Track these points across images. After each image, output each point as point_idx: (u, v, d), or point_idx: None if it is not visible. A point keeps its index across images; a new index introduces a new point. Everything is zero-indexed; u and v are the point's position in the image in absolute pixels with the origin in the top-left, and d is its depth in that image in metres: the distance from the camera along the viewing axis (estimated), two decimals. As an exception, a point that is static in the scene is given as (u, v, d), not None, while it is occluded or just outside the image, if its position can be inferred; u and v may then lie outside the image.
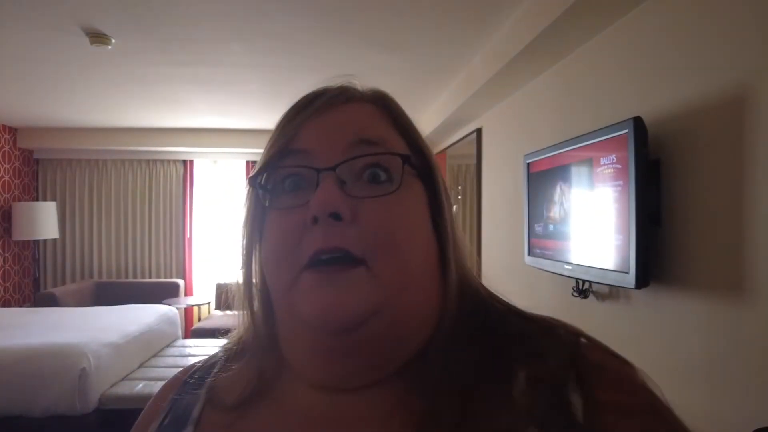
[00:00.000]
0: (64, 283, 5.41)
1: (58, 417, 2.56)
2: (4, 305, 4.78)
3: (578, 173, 1.95)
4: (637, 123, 1.56)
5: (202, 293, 5.56)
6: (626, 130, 1.58)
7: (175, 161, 5.61)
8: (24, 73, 3.21)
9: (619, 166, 1.64)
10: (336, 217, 0.39)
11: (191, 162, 5.64)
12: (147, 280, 5.37)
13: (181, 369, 0.56)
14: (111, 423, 2.72)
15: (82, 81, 3.38)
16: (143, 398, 2.70)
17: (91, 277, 5.45)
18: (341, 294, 0.39)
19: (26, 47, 2.71)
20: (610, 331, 1.88)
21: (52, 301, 4.31)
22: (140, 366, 3.15)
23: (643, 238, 1.55)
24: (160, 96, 3.77)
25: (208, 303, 5.13)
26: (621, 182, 1.63)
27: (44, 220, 4.86)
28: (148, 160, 5.57)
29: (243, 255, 0.49)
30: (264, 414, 0.45)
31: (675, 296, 1.58)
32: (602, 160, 1.73)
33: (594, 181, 1.81)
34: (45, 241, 5.35)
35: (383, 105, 0.49)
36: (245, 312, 0.50)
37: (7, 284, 4.93)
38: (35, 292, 5.18)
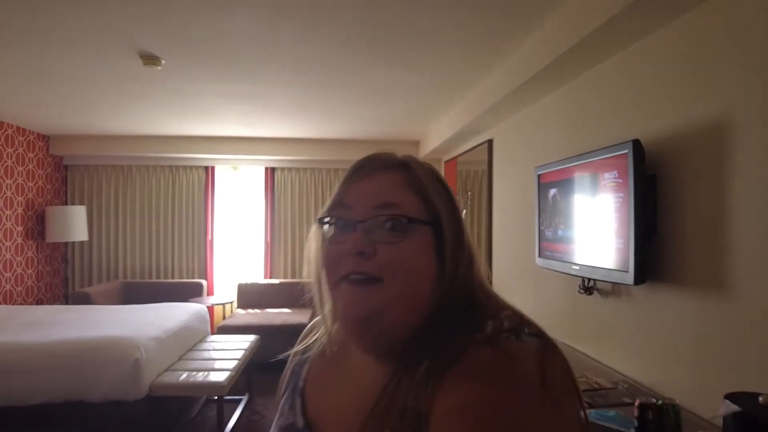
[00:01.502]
0: (91, 283, 5.69)
1: (114, 402, 2.83)
2: (37, 303, 5.07)
3: (584, 185, 2.22)
4: (636, 144, 1.83)
5: (223, 293, 5.83)
6: (626, 150, 1.86)
7: (197, 167, 5.89)
8: (70, 89, 3.48)
9: (620, 181, 1.92)
10: (361, 254, 0.60)
11: (212, 168, 5.92)
12: (171, 280, 5.65)
13: (312, 322, 0.81)
14: (159, 408, 3.00)
15: (126, 96, 3.66)
16: (186, 387, 2.98)
17: (117, 277, 5.72)
18: (360, 300, 0.60)
19: (81, 67, 2.99)
20: (613, 322, 2.16)
21: (85, 300, 4.58)
22: (179, 359, 3.42)
23: (640, 242, 1.82)
24: (195, 108, 4.05)
25: (231, 302, 5.39)
26: (622, 194, 1.90)
27: (75, 223, 5.13)
28: (171, 166, 5.85)
29: (315, 263, 0.69)
30: (341, 365, 0.71)
31: (668, 292, 1.85)
32: (605, 175, 2.01)
33: (598, 193, 2.08)
34: (74, 243, 5.62)
35: (406, 172, 0.65)
36: (319, 298, 0.71)
37: (41, 284, 5.22)
38: (65, 292, 5.46)
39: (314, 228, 0.69)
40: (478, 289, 0.65)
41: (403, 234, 0.61)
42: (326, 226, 0.65)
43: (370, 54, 2.75)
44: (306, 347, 0.78)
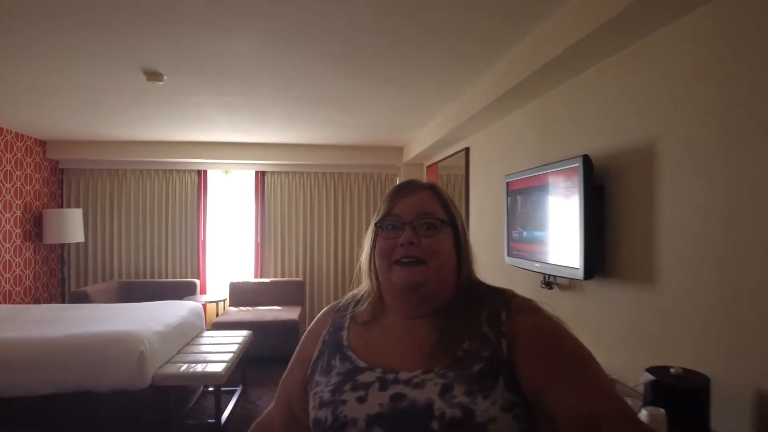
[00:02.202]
0: (87, 283, 5.88)
1: (121, 392, 3.07)
2: (35, 303, 5.26)
3: (544, 193, 2.53)
4: (585, 159, 2.14)
5: (215, 291, 6.07)
6: (578, 164, 2.17)
7: (189, 171, 6.11)
8: (71, 100, 3.70)
9: (574, 189, 2.23)
10: (411, 244, 0.89)
11: (205, 172, 6.15)
12: (165, 280, 5.87)
13: (330, 305, 1.06)
14: (162, 397, 3.24)
15: (126, 106, 3.89)
16: (187, 377, 3.23)
17: (113, 277, 5.93)
18: (410, 275, 0.88)
19: (85, 81, 3.21)
20: (570, 312, 2.47)
21: (84, 299, 4.79)
22: (178, 352, 3.66)
23: (589, 243, 2.13)
24: (192, 117, 4.29)
25: (224, 300, 5.64)
26: (575, 201, 2.21)
27: (71, 225, 5.32)
28: (164, 170, 6.07)
29: (370, 254, 0.98)
30: (378, 327, 0.97)
31: (612, 285, 2.17)
32: (561, 184, 2.32)
33: (555, 200, 2.39)
34: (70, 244, 5.81)
35: (434, 191, 0.96)
36: (371, 279, 0.99)
37: (38, 284, 5.40)
38: (62, 292, 5.65)
39: (370, 231, 0.97)
40: (474, 275, 0.96)
41: (437, 231, 0.91)
42: (380, 227, 0.94)
43: (357, 73, 3.03)
44: (336, 317, 1.01)
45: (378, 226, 0.94)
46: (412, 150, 5.47)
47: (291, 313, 5.11)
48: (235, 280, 5.79)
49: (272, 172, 6.26)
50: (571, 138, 2.54)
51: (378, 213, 0.96)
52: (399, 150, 6.07)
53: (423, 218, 0.90)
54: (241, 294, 5.68)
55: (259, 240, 6.24)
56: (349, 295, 1.06)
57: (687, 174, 1.76)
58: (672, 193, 1.83)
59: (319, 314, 1.06)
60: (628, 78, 2.09)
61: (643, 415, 1.50)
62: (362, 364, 0.88)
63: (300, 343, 1.04)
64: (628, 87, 2.09)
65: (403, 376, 0.83)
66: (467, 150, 4.20)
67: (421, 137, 4.96)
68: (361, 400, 0.81)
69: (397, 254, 0.89)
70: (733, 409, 1.54)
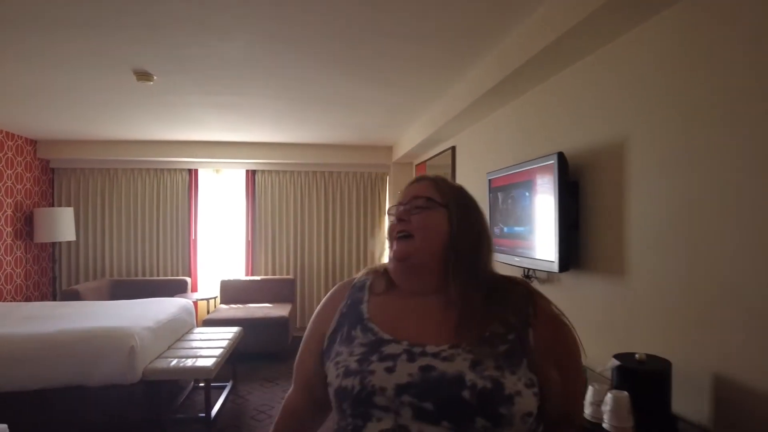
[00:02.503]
0: (78, 281, 5.91)
1: (111, 386, 3.13)
2: (26, 301, 5.28)
3: (522, 190, 2.62)
4: (560, 156, 2.23)
5: (206, 289, 6.12)
6: (553, 161, 2.25)
7: (180, 170, 6.16)
8: (62, 100, 3.74)
9: (550, 186, 2.31)
10: (401, 221, 1.00)
11: (196, 171, 6.19)
12: (157, 278, 5.91)
13: (345, 280, 1.12)
14: (152, 391, 3.30)
15: (116, 105, 3.94)
16: (177, 372, 3.29)
17: (104, 276, 5.96)
18: (401, 247, 0.98)
19: (76, 81, 3.26)
20: (548, 306, 2.56)
21: (75, 297, 4.82)
22: (169, 348, 3.71)
23: (564, 238, 2.22)
24: (181, 117, 4.34)
25: (215, 298, 5.69)
26: (551, 197, 2.30)
27: (62, 224, 5.35)
28: (156, 169, 6.11)
29: (387, 234, 1.08)
30: (396, 303, 0.99)
31: (586, 277, 2.26)
32: (538, 181, 2.41)
33: (533, 196, 2.48)
34: (61, 243, 5.84)
35: (434, 182, 1.05)
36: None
37: (29, 282, 5.43)
38: (53, 290, 5.68)
39: (388, 214, 1.09)
40: (486, 260, 1.02)
41: (426, 209, 1.00)
42: (390, 214, 1.07)
43: (346, 73, 3.11)
44: (352, 291, 1.07)
45: (390, 214, 1.08)
46: (401, 149, 5.55)
47: (281, 311, 5.18)
48: (226, 278, 5.84)
49: (263, 171, 6.32)
50: (548, 136, 2.63)
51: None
52: (388, 149, 6.14)
53: (415, 200, 1.02)
54: (231, 292, 5.74)
55: (249, 238, 6.29)
56: (362, 272, 1.13)
57: (652, 170, 1.85)
58: (639, 189, 1.92)
59: (331, 291, 1.11)
60: (597, 80, 2.18)
61: (608, 398, 1.59)
62: (386, 336, 0.92)
63: (312, 321, 1.08)
64: (598, 88, 2.18)
65: (431, 349, 0.87)
66: (453, 149, 4.29)
67: (409, 136, 5.05)
68: (390, 370, 0.85)
69: (395, 231, 1.02)
70: (692, 391, 1.63)
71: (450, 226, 0.99)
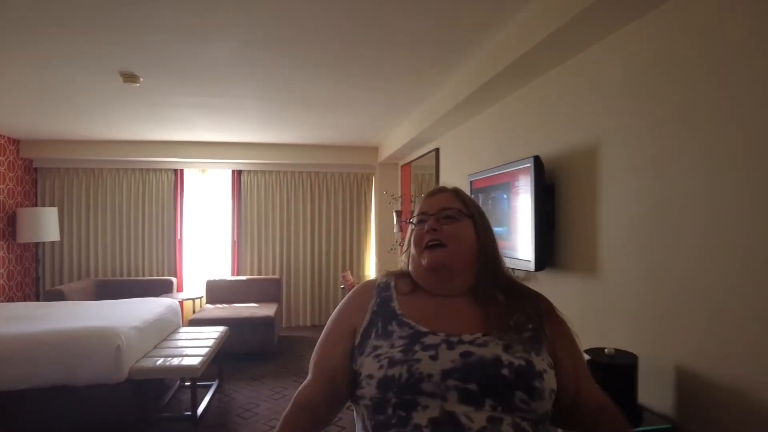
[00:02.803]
0: (62, 281, 5.89)
1: (97, 386, 3.15)
2: (8, 302, 5.25)
3: (502, 191, 2.70)
4: (536, 159, 2.32)
5: (192, 289, 6.14)
6: (529, 164, 2.34)
7: (166, 170, 6.16)
8: (47, 100, 3.75)
9: (527, 188, 2.40)
10: (433, 231, 1.06)
11: (181, 171, 6.21)
12: (142, 278, 5.91)
13: (366, 281, 1.17)
14: (138, 390, 3.33)
15: (101, 106, 3.95)
16: (163, 370, 3.33)
17: (88, 276, 5.94)
18: (435, 256, 1.05)
19: (61, 82, 3.28)
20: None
21: (59, 297, 4.81)
22: (155, 347, 3.74)
23: (540, 238, 2.31)
24: (167, 117, 4.37)
25: (201, 297, 5.71)
26: (527, 199, 2.39)
27: (46, 224, 5.33)
28: (141, 169, 6.11)
29: (407, 242, 1.15)
30: (423, 302, 1.07)
31: (562, 275, 2.35)
32: (516, 183, 2.49)
33: (512, 198, 2.57)
34: (45, 243, 5.81)
35: (455, 192, 1.15)
36: (405, 260, 1.16)
37: (11, 283, 5.40)
38: (36, 291, 5.64)
39: (408, 230, 1.16)
40: (502, 264, 1.13)
41: (455, 220, 1.08)
42: (413, 223, 1.14)
43: (332, 77, 3.17)
44: (379, 290, 1.12)
45: (412, 222, 1.15)
46: (386, 150, 5.62)
47: (267, 310, 5.22)
48: (211, 278, 5.86)
49: (249, 171, 6.35)
50: (525, 140, 2.71)
51: (413, 214, 1.18)
52: (374, 150, 6.21)
53: (444, 211, 1.09)
54: (217, 291, 5.76)
55: (235, 238, 6.32)
56: (382, 274, 1.19)
57: (621, 174, 1.94)
58: (609, 191, 2.01)
59: (355, 290, 1.17)
60: (570, 88, 2.28)
61: (578, 390, 1.67)
62: (424, 329, 0.99)
63: (337, 318, 1.13)
64: (571, 96, 2.27)
65: (466, 337, 0.96)
66: (437, 150, 4.37)
67: (394, 138, 5.12)
68: (434, 358, 0.92)
69: (425, 240, 1.08)
70: (657, 383, 1.73)
71: (476, 235, 1.10)
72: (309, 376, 1.08)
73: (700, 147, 1.57)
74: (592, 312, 2.14)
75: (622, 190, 1.94)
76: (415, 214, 1.14)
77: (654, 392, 1.74)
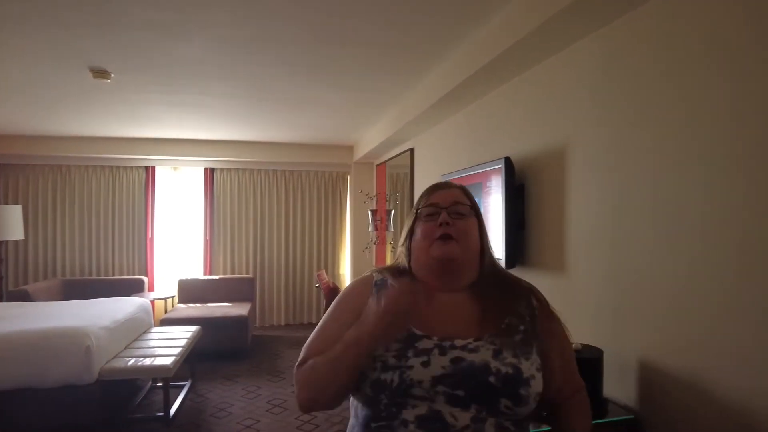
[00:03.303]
0: (27, 281, 5.72)
1: (67, 387, 3.08)
2: (-30, 303, 5.07)
3: (474, 191, 2.76)
4: (507, 160, 2.38)
5: (164, 288, 6.04)
6: (500, 165, 2.40)
7: (137, 167, 6.05)
8: (10, 93, 3.63)
9: (498, 188, 2.46)
10: (446, 224, 1.06)
11: (153, 168, 6.10)
12: (112, 277, 5.79)
13: (363, 276, 1.16)
14: (109, 391, 3.27)
15: (71, 102, 3.86)
16: (134, 371, 3.28)
17: (55, 275, 5.79)
18: (446, 248, 1.04)
19: (28, 76, 3.19)
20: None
21: (24, 297, 4.66)
22: (126, 347, 3.68)
23: (510, 236, 2.38)
24: (139, 114, 4.29)
25: (173, 297, 5.63)
26: (498, 199, 2.45)
27: (9, 222, 5.14)
28: (111, 167, 5.98)
29: (406, 235, 1.14)
30: (422, 300, 1.09)
31: (532, 272, 2.42)
32: (487, 183, 2.56)
33: (484, 197, 2.63)
34: (8, 242, 5.63)
35: (463, 190, 1.15)
36: (402, 255, 1.14)
37: (-26, 283, 5.22)
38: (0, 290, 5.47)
39: (408, 222, 1.15)
40: (496, 261, 1.15)
41: (466, 217, 1.10)
42: (419, 215, 1.12)
43: (306, 75, 3.17)
44: (376, 289, 1.11)
45: (418, 212, 1.14)
46: (361, 149, 5.64)
47: (240, 309, 5.18)
48: (184, 277, 5.78)
49: (222, 169, 6.28)
50: (497, 142, 2.78)
51: (417, 205, 1.16)
52: (349, 149, 6.22)
53: (456, 206, 1.10)
54: (190, 291, 5.69)
55: (208, 237, 6.25)
56: (375, 271, 1.17)
57: (585, 175, 2.02)
58: (576, 192, 2.09)
59: (353, 285, 1.16)
60: (539, 91, 2.35)
61: (546, 383, 1.73)
62: (419, 332, 1.00)
63: (338, 309, 1.11)
64: (540, 99, 2.35)
65: (459, 342, 0.98)
66: (412, 150, 4.42)
67: (369, 137, 5.14)
68: (425, 364, 0.94)
69: (437, 233, 1.07)
70: (621, 376, 1.81)
71: (480, 232, 1.12)
72: (304, 357, 1.04)
73: (657, 150, 1.65)
74: (560, 308, 2.17)
75: (587, 190, 2.02)
76: (423, 204, 1.13)
77: (618, 385, 1.82)
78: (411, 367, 0.94)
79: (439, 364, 0.95)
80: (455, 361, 0.95)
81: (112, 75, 3.14)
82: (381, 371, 0.95)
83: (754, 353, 1.33)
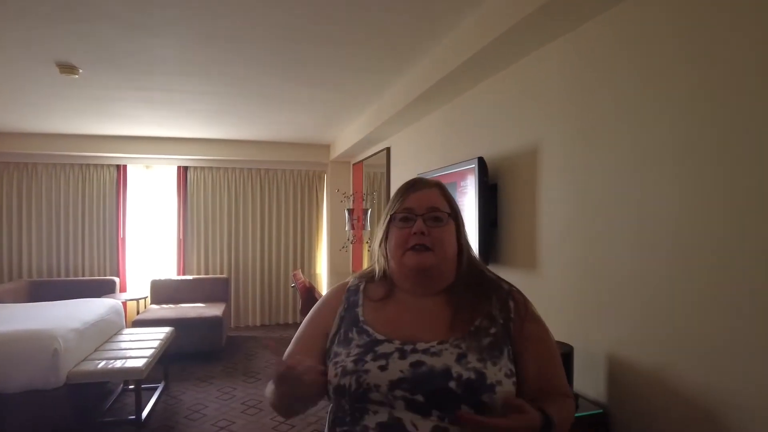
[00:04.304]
0: (-9, 283, 5.53)
1: (33, 391, 2.99)
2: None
3: (449, 190, 2.78)
4: (480, 160, 2.41)
5: (136, 289, 5.92)
6: (474, 165, 2.43)
7: (108, 166, 5.91)
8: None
9: (471, 187, 2.49)
10: (421, 234, 1.02)
11: (124, 166, 5.97)
12: (82, 278, 5.64)
13: (338, 284, 1.15)
14: (77, 395, 3.19)
15: (37, 98, 3.75)
16: (104, 373, 3.21)
17: (21, 276, 5.61)
18: (421, 259, 1.02)
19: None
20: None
21: (-13, 299, 4.53)
22: (96, 349, 3.59)
23: (484, 234, 2.40)
24: (109, 111, 4.19)
25: (145, 298, 5.52)
26: (472, 198, 2.47)
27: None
28: (80, 165, 5.83)
29: (381, 240, 1.10)
30: (392, 304, 1.06)
31: (505, 271, 2.45)
32: (462, 183, 2.58)
33: (459, 197, 2.65)
34: (-29, 242, 5.45)
35: (440, 189, 1.10)
36: (379, 261, 1.11)
37: (-66, 285, 5.03)
38: (-38, 293, 5.28)
39: (382, 222, 1.10)
40: (479, 262, 1.13)
41: (443, 223, 1.05)
42: (395, 220, 1.07)
43: (281, 73, 3.15)
44: (348, 295, 1.11)
45: (392, 217, 1.09)
46: (338, 148, 5.62)
47: (215, 310, 5.11)
48: (156, 278, 5.67)
49: (195, 168, 6.19)
50: (471, 142, 2.81)
51: (391, 206, 1.10)
52: (326, 147, 6.20)
53: (432, 212, 1.05)
54: (163, 291, 5.59)
55: (181, 236, 6.15)
56: (355, 276, 1.17)
57: (557, 175, 2.06)
58: (548, 191, 2.13)
59: (327, 295, 1.17)
60: (512, 91, 2.39)
61: (518, 379, 1.76)
62: (380, 337, 0.99)
63: (310, 322, 1.12)
64: (513, 99, 2.38)
65: (421, 346, 0.95)
66: (388, 150, 4.43)
67: (346, 136, 5.13)
68: (383, 368, 0.93)
69: (411, 242, 1.04)
70: (591, 371, 1.85)
71: (458, 236, 1.08)
72: None
73: (625, 150, 1.69)
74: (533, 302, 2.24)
75: (558, 190, 2.06)
76: (397, 207, 1.07)
77: (588, 380, 1.86)
78: (367, 372, 0.93)
79: (398, 368, 0.93)
80: (415, 365, 0.93)
81: (81, 70, 3.06)
82: (341, 376, 0.95)
83: (714, 348, 1.37)
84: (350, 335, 1.02)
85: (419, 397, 0.90)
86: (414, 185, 1.10)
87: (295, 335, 1.12)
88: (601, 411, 1.76)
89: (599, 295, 1.83)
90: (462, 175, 2.59)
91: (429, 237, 1.03)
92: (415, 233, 1.03)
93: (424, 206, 1.05)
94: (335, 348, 1.02)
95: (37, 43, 2.63)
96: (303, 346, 1.07)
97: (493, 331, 0.99)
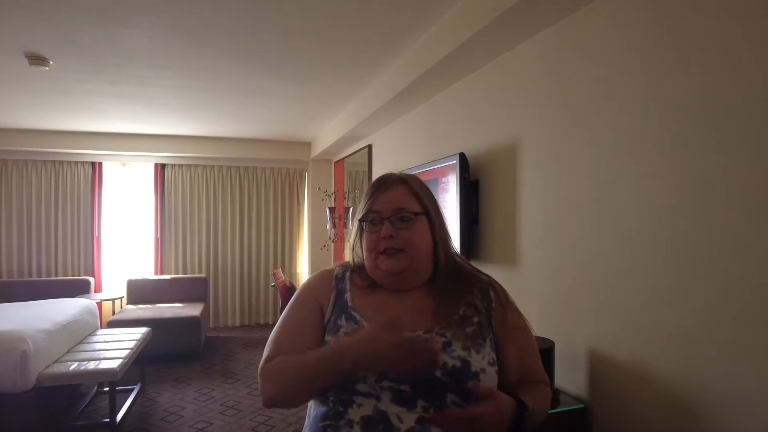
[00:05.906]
0: (-42, 283, 5.35)
1: (0, 395, 2.89)
2: None
3: (431, 187, 2.76)
4: (462, 156, 2.39)
5: (111, 289, 5.78)
6: (455, 161, 2.41)
7: (83, 163, 5.76)
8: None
9: (453, 184, 2.47)
10: (390, 237, 1.01)
11: (100, 164, 5.82)
12: (55, 278, 5.49)
13: (325, 270, 1.14)
14: (47, 398, 3.08)
15: (4, 91, 3.62)
16: (76, 375, 3.11)
17: (-10, 276, 5.44)
18: (393, 263, 1.01)
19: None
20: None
21: (-46, 300, 4.37)
22: (68, 351, 3.48)
23: (465, 231, 2.39)
24: (82, 106, 4.07)
25: (121, 298, 5.39)
26: (453, 194, 2.46)
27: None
28: (54, 162, 5.67)
29: (356, 242, 1.09)
30: (379, 293, 1.06)
31: (486, 267, 2.41)
32: (443, 179, 2.56)
33: (440, 193, 2.63)
34: (-62, 241, 5.25)
35: (407, 186, 1.07)
36: (359, 255, 1.08)
37: None
38: (-72, 294, 5.09)
39: (356, 225, 1.09)
40: (455, 254, 1.11)
41: (412, 222, 1.03)
42: (365, 223, 1.06)
43: (260, 68, 3.09)
44: (337, 282, 1.09)
45: (361, 221, 1.07)
46: (319, 146, 5.57)
47: (193, 310, 5.02)
48: (133, 278, 5.55)
49: (173, 165, 6.07)
50: (452, 138, 2.79)
51: (361, 209, 1.09)
52: (307, 145, 6.14)
53: (399, 213, 1.03)
54: (139, 291, 5.47)
55: (158, 235, 6.03)
56: (338, 265, 1.15)
57: (536, 172, 2.05)
58: (527, 188, 2.12)
59: (315, 277, 1.14)
60: (492, 88, 2.38)
61: (499, 375, 1.74)
62: (365, 325, 0.99)
63: (301, 300, 1.09)
64: (493, 96, 2.38)
65: (407, 335, 0.93)
66: (370, 147, 4.39)
67: (326, 134, 5.09)
68: None
69: (381, 246, 1.03)
70: (571, 366, 1.84)
71: (432, 232, 1.06)
72: (272, 353, 1.01)
73: (598, 148, 1.70)
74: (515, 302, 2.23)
75: (536, 187, 2.05)
76: (365, 209, 1.06)
77: (568, 375, 1.85)
78: None
79: None
80: None
81: (51, 62, 2.96)
82: None
83: (691, 342, 1.37)
84: (339, 322, 1.02)
85: (406, 387, 0.91)
86: (381, 185, 1.08)
87: (281, 320, 1.07)
88: (582, 406, 1.76)
89: (577, 290, 1.83)
90: (443, 172, 2.57)
91: (398, 239, 1.02)
92: (383, 237, 1.02)
93: (390, 208, 1.03)
94: (326, 336, 1.02)
95: (4, 33, 2.53)
96: (294, 328, 1.04)
97: (476, 320, 1.01)
